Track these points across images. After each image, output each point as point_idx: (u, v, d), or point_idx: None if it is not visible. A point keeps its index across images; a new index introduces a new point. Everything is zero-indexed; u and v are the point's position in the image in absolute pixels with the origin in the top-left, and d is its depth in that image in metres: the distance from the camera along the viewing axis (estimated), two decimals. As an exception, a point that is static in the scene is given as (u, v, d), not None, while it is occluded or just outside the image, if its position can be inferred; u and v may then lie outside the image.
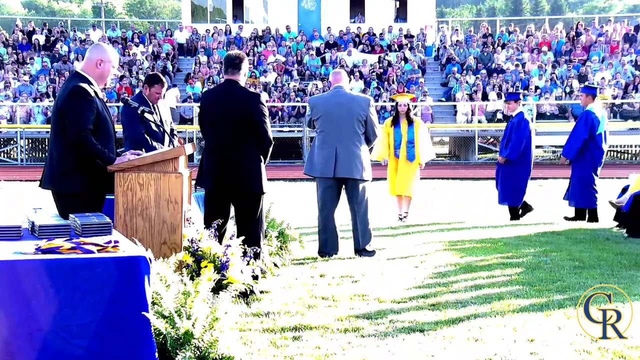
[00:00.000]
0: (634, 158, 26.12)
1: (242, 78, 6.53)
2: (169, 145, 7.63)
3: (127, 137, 7.77)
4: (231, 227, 6.59)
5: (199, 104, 6.78)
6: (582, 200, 11.03)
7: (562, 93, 26.80)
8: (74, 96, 5.32)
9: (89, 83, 5.42)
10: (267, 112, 6.49)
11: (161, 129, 7.50)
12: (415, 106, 24.56)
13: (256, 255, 6.24)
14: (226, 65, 6.51)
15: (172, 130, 8.37)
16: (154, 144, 7.68)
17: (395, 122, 11.09)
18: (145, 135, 7.70)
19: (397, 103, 11.35)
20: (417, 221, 11.28)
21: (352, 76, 26.17)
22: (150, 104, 7.89)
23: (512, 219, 11.23)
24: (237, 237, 6.27)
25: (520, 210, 11.35)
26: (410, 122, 11.05)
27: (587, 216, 11.07)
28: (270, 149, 6.50)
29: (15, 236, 4.26)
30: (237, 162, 6.36)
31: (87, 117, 5.29)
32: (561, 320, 5.51)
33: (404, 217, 11.24)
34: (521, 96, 11.70)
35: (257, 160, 6.43)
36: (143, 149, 6.24)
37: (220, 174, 6.39)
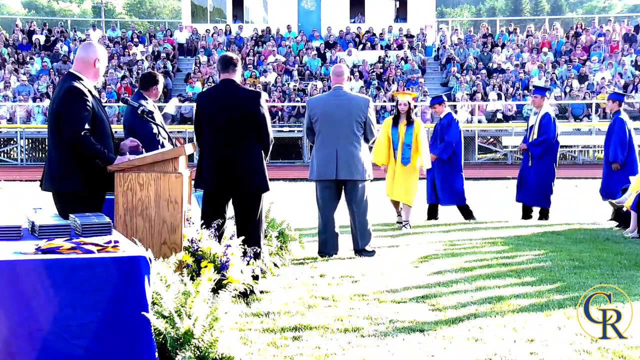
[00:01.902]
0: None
1: (239, 78, 6.57)
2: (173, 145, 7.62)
3: (137, 137, 7.73)
4: (231, 227, 6.59)
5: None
6: (545, 200, 11.25)
7: (562, 93, 26.81)
8: (69, 96, 5.32)
9: (82, 82, 5.42)
10: (267, 110, 6.52)
11: (163, 127, 7.48)
12: (416, 106, 24.54)
13: (256, 255, 6.24)
14: (222, 66, 6.54)
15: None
16: (161, 139, 7.68)
17: (395, 122, 10.46)
18: (154, 132, 7.68)
19: (397, 102, 10.69)
20: (417, 221, 11.28)
21: (352, 76, 26.19)
22: (150, 102, 7.89)
23: (464, 215, 11.43)
24: (237, 237, 6.27)
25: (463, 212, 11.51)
26: (409, 123, 10.39)
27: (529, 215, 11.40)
28: (271, 146, 6.53)
29: (15, 236, 4.26)
30: (236, 161, 6.36)
31: (84, 116, 5.30)
32: (561, 320, 5.50)
33: (404, 225, 10.46)
34: (444, 97, 11.65)
35: (257, 159, 6.43)
36: (142, 149, 6.22)
37: (219, 173, 6.38)
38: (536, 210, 11.45)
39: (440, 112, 11.44)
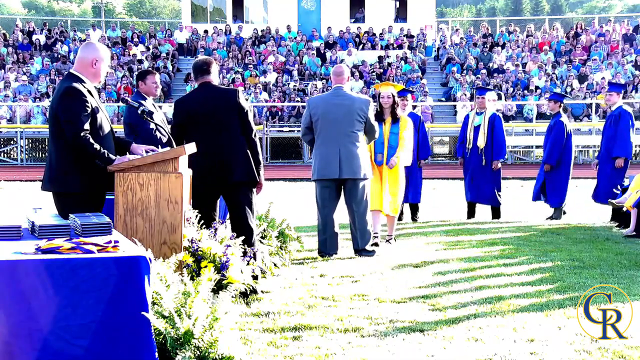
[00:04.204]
0: (634, 158, 26.10)
1: (216, 79, 6.67)
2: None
3: (138, 135, 7.76)
4: (229, 227, 6.59)
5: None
6: (497, 199, 11.51)
7: (562, 93, 26.80)
8: (67, 97, 5.31)
9: (83, 83, 5.41)
10: (247, 104, 6.67)
11: (162, 127, 7.48)
12: (415, 106, 24.51)
13: (253, 256, 6.24)
14: (196, 72, 6.66)
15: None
16: (159, 136, 7.69)
17: (379, 120, 8.82)
18: (156, 132, 7.70)
19: (379, 95, 9.15)
20: (417, 221, 11.29)
21: (352, 76, 26.17)
22: (150, 102, 7.92)
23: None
24: (233, 232, 6.30)
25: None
26: (395, 120, 9.02)
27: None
28: (256, 138, 6.64)
29: (15, 236, 4.26)
30: (229, 155, 6.45)
31: (83, 117, 5.28)
32: (561, 320, 5.51)
33: (388, 239, 9.05)
34: (409, 96, 11.36)
35: (244, 151, 6.52)
36: (160, 146, 6.22)
37: (212, 170, 6.42)
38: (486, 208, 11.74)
39: (403, 106, 10.89)
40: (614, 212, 10.78)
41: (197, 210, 6.38)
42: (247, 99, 6.84)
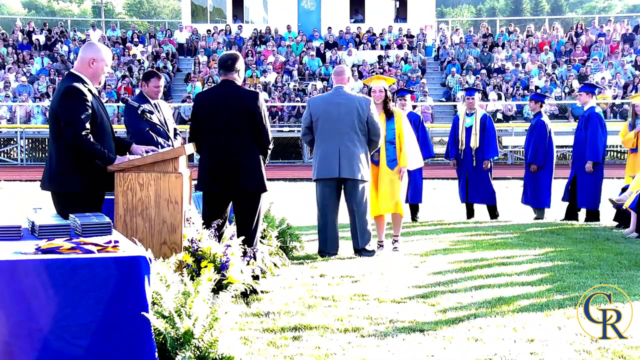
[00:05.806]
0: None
1: (238, 77, 6.48)
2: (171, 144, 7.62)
3: (133, 135, 7.77)
4: (231, 227, 6.58)
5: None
6: (494, 198, 11.63)
7: (562, 93, 26.80)
8: (67, 96, 5.30)
9: (84, 83, 5.41)
10: (266, 111, 6.48)
11: (163, 126, 7.47)
12: (415, 105, 24.50)
13: (253, 256, 6.23)
14: (220, 67, 6.51)
15: (175, 130, 8.38)
16: (158, 139, 7.68)
17: None
18: (150, 132, 7.69)
19: (370, 89, 8.77)
20: (418, 222, 11.29)
21: (352, 77, 26.16)
22: (152, 102, 7.91)
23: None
24: (237, 237, 6.26)
25: None
26: (389, 116, 8.67)
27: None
28: (270, 146, 6.49)
29: (15, 236, 4.26)
30: (234, 161, 6.32)
31: (83, 117, 5.28)
32: (561, 320, 5.51)
33: (393, 245, 8.65)
34: (408, 96, 11.48)
35: (255, 159, 6.39)
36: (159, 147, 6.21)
37: (218, 174, 6.36)
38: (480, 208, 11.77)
39: (403, 105, 11.03)
40: (616, 212, 10.85)
41: (207, 212, 6.36)
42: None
